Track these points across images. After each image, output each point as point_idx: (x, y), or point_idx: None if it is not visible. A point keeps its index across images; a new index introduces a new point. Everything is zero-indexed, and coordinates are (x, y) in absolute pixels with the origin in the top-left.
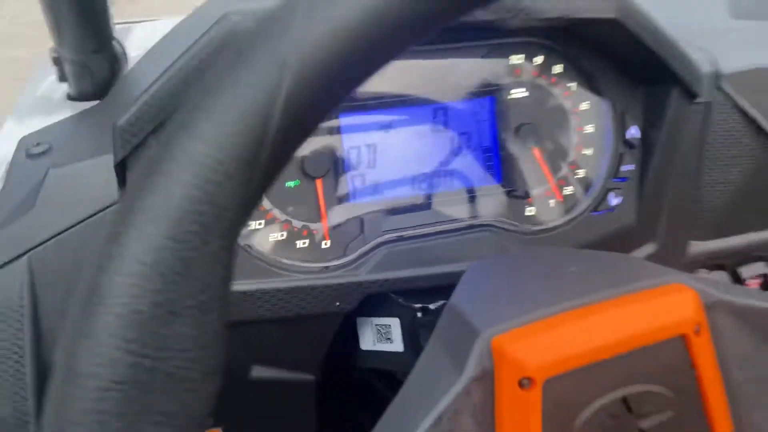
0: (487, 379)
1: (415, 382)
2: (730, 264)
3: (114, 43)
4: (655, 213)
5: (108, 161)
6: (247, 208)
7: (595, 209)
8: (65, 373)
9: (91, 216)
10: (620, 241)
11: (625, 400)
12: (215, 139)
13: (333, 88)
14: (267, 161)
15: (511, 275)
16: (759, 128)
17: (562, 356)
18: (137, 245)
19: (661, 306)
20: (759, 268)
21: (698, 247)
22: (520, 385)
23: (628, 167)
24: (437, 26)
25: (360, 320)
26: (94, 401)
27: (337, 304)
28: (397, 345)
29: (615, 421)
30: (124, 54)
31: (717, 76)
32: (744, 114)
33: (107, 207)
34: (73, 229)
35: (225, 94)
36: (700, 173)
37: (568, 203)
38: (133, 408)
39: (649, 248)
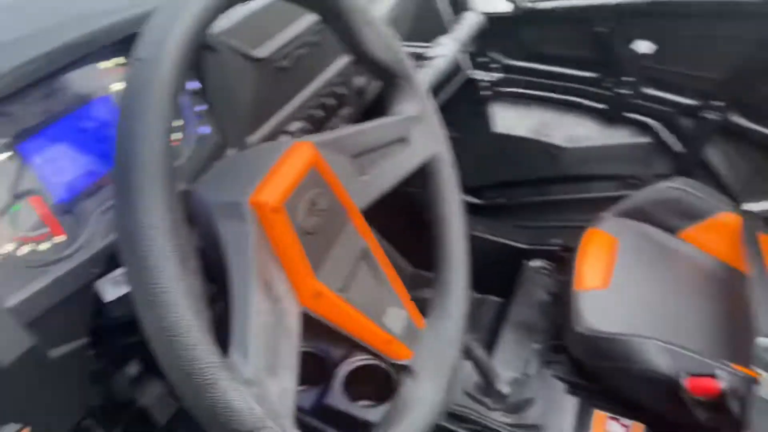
0: (258, 221)
1: (235, 257)
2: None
3: None
4: (227, 129)
5: None
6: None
7: (197, 139)
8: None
9: None
10: (219, 152)
11: (311, 200)
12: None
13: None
14: None
15: (222, 178)
16: (249, 57)
17: (282, 191)
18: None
19: (300, 154)
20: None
21: (252, 138)
22: (274, 212)
23: (200, 108)
24: None
25: (97, 283)
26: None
27: (93, 270)
28: None
29: (310, 211)
30: None
31: (219, 34)
32: (237, 51)
33: None
34: None
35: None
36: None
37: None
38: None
39: (232, 151)
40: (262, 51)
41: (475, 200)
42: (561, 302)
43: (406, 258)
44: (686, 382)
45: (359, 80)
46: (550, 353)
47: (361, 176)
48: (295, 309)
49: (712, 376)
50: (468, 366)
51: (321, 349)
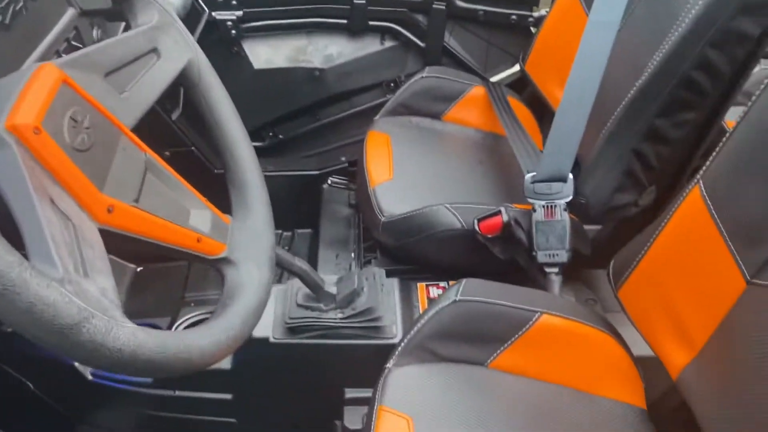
0: (20, 144)
1: (8, 184)
2: None
3: None
4: None
5: None
6: None
7: None
8: None
9: None
10: None
11: (72, 118)
12: None
13: None
14: None
15: None
16: None
17: (37, 111)
18: None
19: (46, 74)
20: None
21: None
22: (35, 133)
23: None
24: None
25: None
26: None
27: None
28: None
29: (75, 129)
30: None
31: None
32: None
33: None
34: None
35: None
36: None
37: None
38: None
39: None
40: None
41: (256, 143)
42: (362, 206)
43: None
44: (478, 227)
45: (96, 32)
46: (366, 254)
47: (120, 94)
48: (90, 225)
49: (497, 214)
50: (296, 282)
51: (147, 323)
